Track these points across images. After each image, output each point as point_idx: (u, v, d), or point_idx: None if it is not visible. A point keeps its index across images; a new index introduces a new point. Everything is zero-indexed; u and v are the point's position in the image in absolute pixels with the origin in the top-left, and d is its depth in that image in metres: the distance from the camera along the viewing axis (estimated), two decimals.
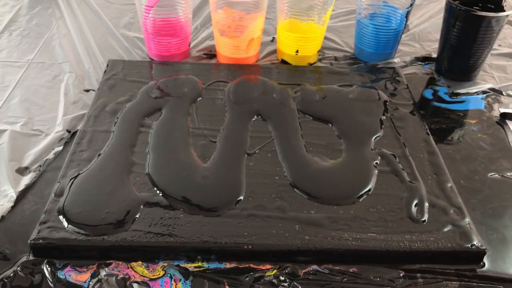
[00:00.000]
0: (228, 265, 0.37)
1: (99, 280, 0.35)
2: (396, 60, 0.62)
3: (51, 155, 0.46)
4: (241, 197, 0.40)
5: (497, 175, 0.46)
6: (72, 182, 0.41)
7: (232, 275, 0.36)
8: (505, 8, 0.55)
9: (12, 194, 0.41)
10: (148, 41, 0.59)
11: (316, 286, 0.36)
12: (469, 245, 0.37)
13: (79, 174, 0.42)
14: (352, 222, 0.39)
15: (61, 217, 0.38)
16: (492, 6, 0.56)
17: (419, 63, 0.62)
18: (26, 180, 0.43)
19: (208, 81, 0.55)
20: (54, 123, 0.50)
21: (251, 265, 0.37)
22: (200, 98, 0.52)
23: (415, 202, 0.41)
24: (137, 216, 0.38)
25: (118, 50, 0.63)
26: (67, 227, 0.37)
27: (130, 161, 0.43)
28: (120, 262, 0.36)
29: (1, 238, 0.38)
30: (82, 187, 0.41)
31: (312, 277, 0.36)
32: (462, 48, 0.56)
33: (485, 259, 0.38)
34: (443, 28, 0.58)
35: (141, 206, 0.39)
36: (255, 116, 0.50)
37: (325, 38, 0.63)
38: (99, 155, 0.44)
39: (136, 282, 0.35)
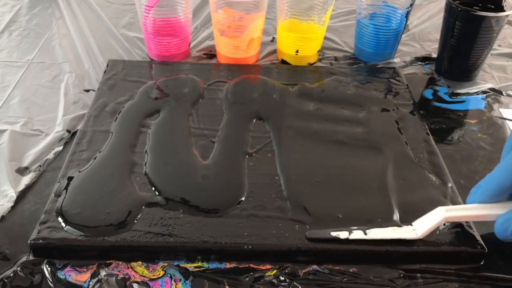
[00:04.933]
0: (228, 265, 0.37)
1: (99, 280, 0.35)
2: (396, 60, 0.62)
3: (51, 155, 0.46)
4: (243, 198, 0.40)
5: None
6: (68, 183, 0.41)
7: (232, 275, 0.36)
8: (505, 8, 0.55)
9: (12, 194, 0.41)
10: (148, 41, 0.59)
11: (316, 286, 0.36)
12: (469, 245, 0.37)
13: (76, 174, 0.42)
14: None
15: (59, 218, 0.38)
16: (492, 6, 0.56)
17: (419, 63, 0.62)
18: (26, 180, 0.43)
19: (208, 81, 0.55)
20: (54, 123, 0.50)
21: (251, 265, 0.37)
22: (201, 99, 0.52)
23: None
24: (138, 216, 0.38)
25: (118, 50, 0.63)
26: (65, 227, 0.37)
27: (130, 161, 0.43)
28: (120, 262, 0.36)
29: (1, 238, 0.38)
30: (81, 187, 0.40)
31: (312, 277, 0.36)
32: (462, 48, 0.56)
33: (485, 259, 0.38)
34: (443, 28, 0.58)
35: (143, 207, 0.39)
36: (255, 119, 0.50)
37: (325, 38, 0.63)
38: (95, 157, 0.43)
39: (136, 282, 0.35)
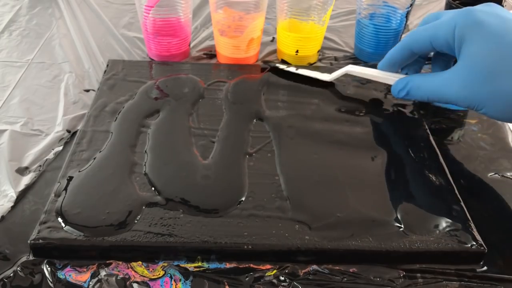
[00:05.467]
0: (228, 265, 0.37)
1: (99, 280, 0.35)
2: None
3: (51, 155, 0.46)
4: (243, 198, 0.40)
5: (497, 175, 0.46)
6: (68, 183, 0.41)
7: (232, 275, 0.36)
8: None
9: (12, 194, 0.41)
10: (148, 41, 0.59)
11: (316, 286, 0.36)
12: (469, 245, 0.37)
13: (76, 174, 0.42)
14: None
15: (59, 218, 0.38)
16: None
17: None
18: (26, 180, 0.43)
19: (208, 81, 0.55)
20: (54, 123, 0.50)
21: (251, 265, 0.37)
22: (201, 99, 0.52)
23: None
24: (138, 217, 0.38)
25: (118, 50, 0.63)
26: (65, 227, 0.37)
27: (130, 161, 0.43)
28: (120, 262, 0.36)
29: (1, 238, 0.38)
30: (81, 187, 0.40)
31: (312, 277, 0.36)
32: None
33: (485, 259, 0.38)
34: None
35: (143, 207, 0.39)
36: (255, 119, 0.50)
37: (325, 38, 0.63)
38: (95, 158, 0.43)
39: (136, 282, 0.35)
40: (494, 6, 0.41)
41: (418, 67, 0.48)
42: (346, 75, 0.56)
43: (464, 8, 0.40)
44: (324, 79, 0.53)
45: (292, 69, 0.55)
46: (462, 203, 0.41)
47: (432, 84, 0.43)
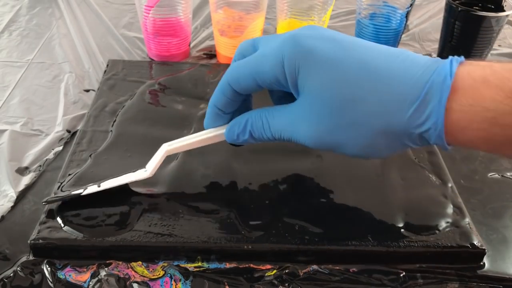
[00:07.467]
0: (228, 265, 0.37)
1: (99, 280, 0.35)
2: None
3: (51, 155, 0.46)
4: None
5: (497, 175, 0.46)
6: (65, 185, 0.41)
7: (232, 275, 0.36)
8: (505, 8, 0.55)
9: (12, 194, 0.41)
10: (148, 41, 0.59)
11: (316, 286, 0.36)
12: (469, 245, 0.37)
13: (74, 174, 0.42)
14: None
15: (59, 218, 0.38)
16: (492, 6, 0.57)
17: None
18: (26, 180, 0.43)
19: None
20: (54, 123, 0.50)
21: (251, 265, 0.37)
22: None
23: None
24: (138, 217, 0.38)
25: (118, 50, 0.63)
26: (65, 227, 0.37)
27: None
28: (120, 262, 0.36)
29: (1, 238, 0.38)
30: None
31: (312, 277, 0.36)
32: (462, 48, 0.56)
33: (485, 259, 0.38)
34: (443, 28, 0.58)
35: (144, 207, 0.39)
36: None
37: None
38: (91, 155, 0.43)
39: (136, 282, 0.35)
40: (316, 28, 0.34)
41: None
42: None
43: (287, 34, 0.33)
44: (142, 177, 0.39)
45: (93, 189, 0.39)
46: (462, 203, 0.41)
47: (281, 121, 0.35)
